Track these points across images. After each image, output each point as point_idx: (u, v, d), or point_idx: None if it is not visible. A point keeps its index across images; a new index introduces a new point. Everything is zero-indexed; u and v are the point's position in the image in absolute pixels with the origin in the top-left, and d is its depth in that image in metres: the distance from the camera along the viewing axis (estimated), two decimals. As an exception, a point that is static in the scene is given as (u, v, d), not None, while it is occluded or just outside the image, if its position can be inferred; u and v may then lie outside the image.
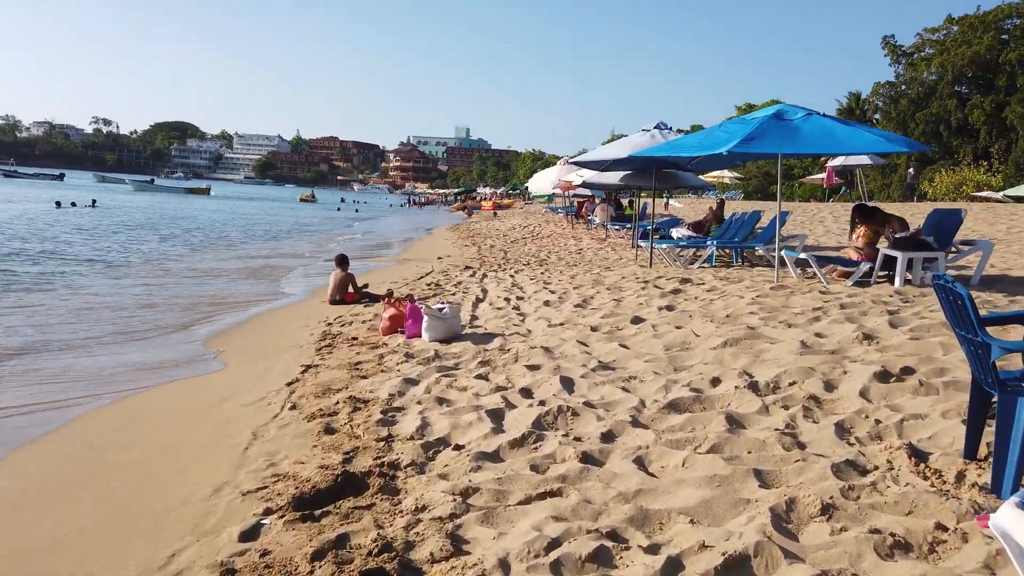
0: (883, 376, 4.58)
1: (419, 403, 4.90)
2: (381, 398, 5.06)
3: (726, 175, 47.48)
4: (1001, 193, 47.92)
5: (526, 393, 4.95)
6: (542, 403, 4.64)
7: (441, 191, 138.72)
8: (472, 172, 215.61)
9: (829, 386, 4.56)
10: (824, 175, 54.33)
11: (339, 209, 64.54)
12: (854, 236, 9.80)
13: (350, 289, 10.14)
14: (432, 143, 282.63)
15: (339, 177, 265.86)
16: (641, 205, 23.87)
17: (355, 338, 7.46)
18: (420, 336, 6.96)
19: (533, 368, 5.56)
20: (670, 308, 7.50)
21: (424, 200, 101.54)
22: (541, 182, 27.08)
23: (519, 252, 18.20)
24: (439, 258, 17.52)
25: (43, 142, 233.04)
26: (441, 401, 4.93)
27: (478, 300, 9.52)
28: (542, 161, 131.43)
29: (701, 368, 5.21)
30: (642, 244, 13.64)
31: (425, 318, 6.88)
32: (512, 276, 12.36)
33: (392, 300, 7.62)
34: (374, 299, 10.20)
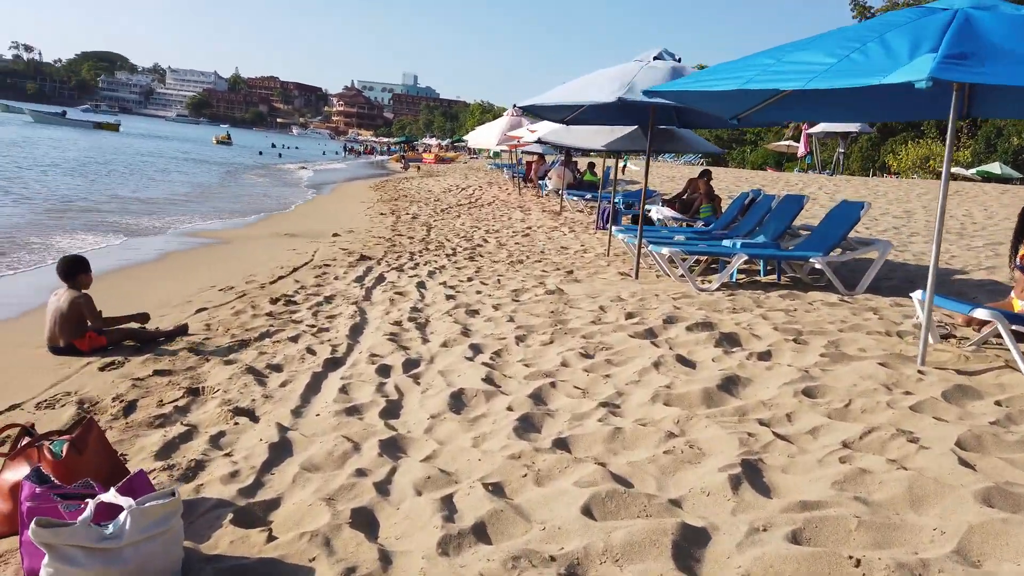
0: None
1: None
2: None
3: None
4: (973, 170, 45.18)
5: None
6: None
7: (385, 139, 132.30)
8: (418, 122, 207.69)
9: None
10: (794, 142, 50.62)
11: (261, 153, 58.19)
12: (1019, 259, 5.47)
13: (89, 323, 5.27)
14: (378, 89, 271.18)
15: (278, 119, 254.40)
16: (604, 169, 19.33)
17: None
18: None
19: None
20: (754, 468, 2.97)
21: (364, 148, 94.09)
22: (483, 136, 22.22)
23: (447, 229, 13.48)
24: (335, 235, 12.66)
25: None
26: None
27: (330, 366, 4.85)
28: (491, 113, 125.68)
29: None
30: (619, 235, 9.10)
31: (47, 560, 2.20)
32: (421, 285, 7.70)
33: (25, 443, 2.86)
34: (146, 340, 5.43)
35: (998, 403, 3.68)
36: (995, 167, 44.13)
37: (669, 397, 3.89)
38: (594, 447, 3.35)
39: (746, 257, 7.25)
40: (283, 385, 4.44)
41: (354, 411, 3.94)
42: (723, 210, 12.91)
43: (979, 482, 2.75)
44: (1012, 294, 5.48)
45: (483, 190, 23.59)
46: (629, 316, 5.92)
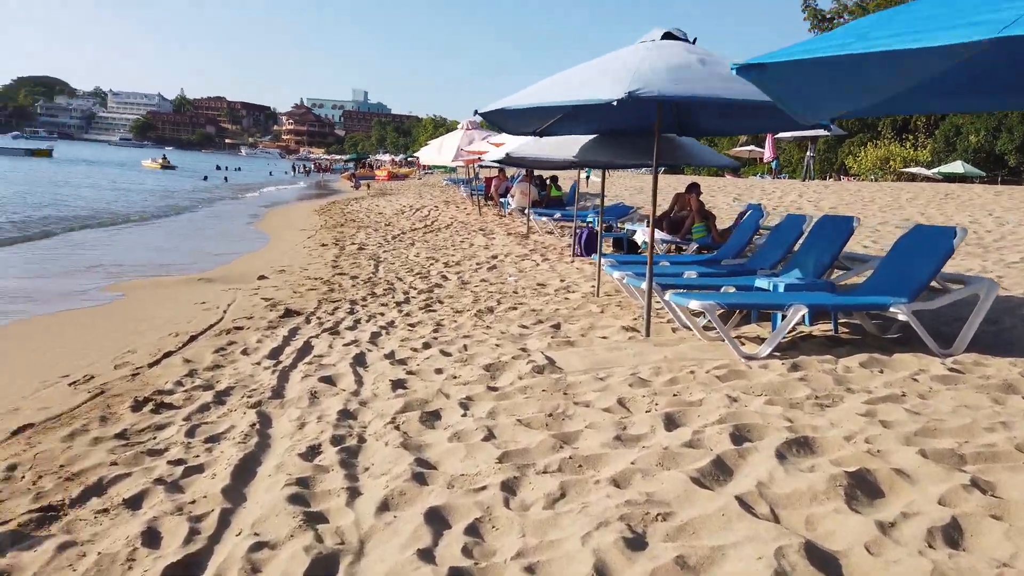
0: None
1: None
2: None
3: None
4: (934, 170, 44.31)
5: None
6: None
7: (338, 157, 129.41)
8: (371, 138, 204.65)
9: None
10: (756, 147, 49.43)
11: (206, 179, 55.14)
12: None
13: None
14: (328, 106, 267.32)
15: (227, 140, 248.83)
16: (574, 183, 17.38)
17: None
18: None
19: None
20: None
21: (317, 166, 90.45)
22: (438, 151, 20.10)
23: (399, 263, 11.32)
24: (261, 277, 10.40)
25: None
26: None
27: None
28: (444, 127, 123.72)
29: None
30: (614, 273, 7.05)
31: None
32: (359, 361, 5.53)
33: None
34: None
35: None
36: (957, 166, 43.32)
37: None
38: None
39: (806, 311, 5.24)
40: (61, 658, 2.26)
41: None
42: (717, 228, 11.03)
43: None
44: None
45: (439, 210, 21.45)
46: (670, 423, 3.85)
